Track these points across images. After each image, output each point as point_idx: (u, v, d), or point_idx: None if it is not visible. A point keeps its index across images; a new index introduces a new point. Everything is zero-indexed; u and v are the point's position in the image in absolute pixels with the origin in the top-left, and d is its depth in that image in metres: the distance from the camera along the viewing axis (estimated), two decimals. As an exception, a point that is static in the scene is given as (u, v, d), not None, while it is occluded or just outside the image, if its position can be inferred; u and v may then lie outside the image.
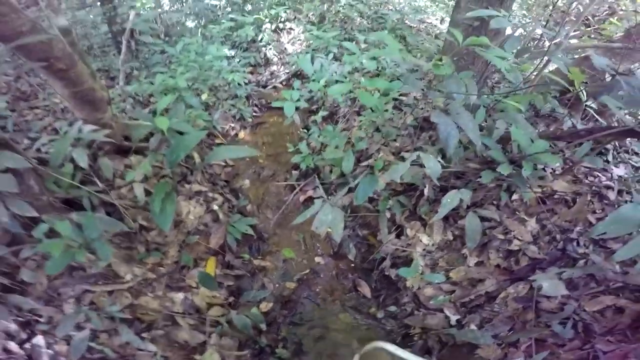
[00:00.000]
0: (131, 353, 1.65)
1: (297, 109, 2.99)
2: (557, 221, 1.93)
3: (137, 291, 1.78)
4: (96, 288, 1.73)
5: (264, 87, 4.21)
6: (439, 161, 2.08)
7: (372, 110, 2.70)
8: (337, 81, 3.16)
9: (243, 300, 1.97)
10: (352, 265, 2.17)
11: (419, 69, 2.40)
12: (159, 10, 4.71)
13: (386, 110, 2.77)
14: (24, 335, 1.64)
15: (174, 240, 1.96)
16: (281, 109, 3.52)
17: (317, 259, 2.19)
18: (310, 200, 2.49)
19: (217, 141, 2.91)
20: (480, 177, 1.96)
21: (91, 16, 3.93)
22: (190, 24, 4.80)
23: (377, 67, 3.25)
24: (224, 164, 2.70)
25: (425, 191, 1.95)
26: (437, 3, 5.98)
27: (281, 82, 4.32)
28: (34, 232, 1.48)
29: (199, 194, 2.17)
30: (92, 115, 2.06)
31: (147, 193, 1.99)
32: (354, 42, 4.22)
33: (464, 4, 2.55)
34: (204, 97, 3.22)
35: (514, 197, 2.04)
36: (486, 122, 2.12)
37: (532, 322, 1.59)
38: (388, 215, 2.12)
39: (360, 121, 2.67)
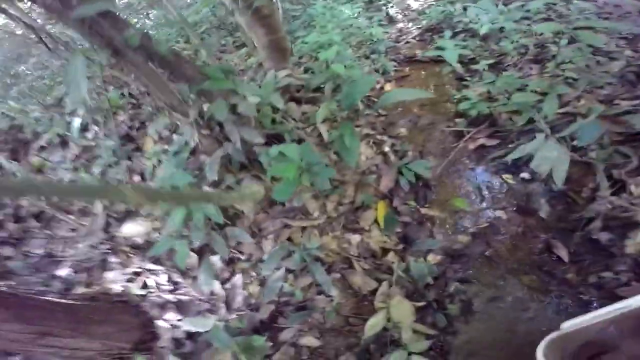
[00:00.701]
0: (311, 297, 1.75)
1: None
2: None
3: (321, 230, 1.90)
4: (294, 223, 1.90)
5: (396, 43, 4.07)
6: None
7: (554, 57, 2.31)
8: (501, 28, 2.81)
9: (415, 249, 1.94)
10: (544, 224, 1.93)
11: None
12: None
13: (578, 58, 2.32)
14: (226, 274, 1.85)
15: (350, 179, 2.05)
16: (424, 62, 3.39)
17: (497, 213, 2.01)
18: (482, 149, 2.28)
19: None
20: None
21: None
22: None
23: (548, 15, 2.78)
24: (377, 114, 2.70)
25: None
26: None
27: (414, 38, 4.11)
28: (261, 158, 1.72)
29: (368, 137, 2.22)
30: (279, 65, 2.33)
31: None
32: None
33: None
34: (348, 52, 3.27)
35: None
36: None
37: None
38: (603, 167, 1.80)
39: (545, 67, 2.30)
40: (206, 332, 1.60)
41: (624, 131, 1.83)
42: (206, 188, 1.93)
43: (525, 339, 1.59)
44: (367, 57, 3.39)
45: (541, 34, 2.60)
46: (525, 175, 2.04)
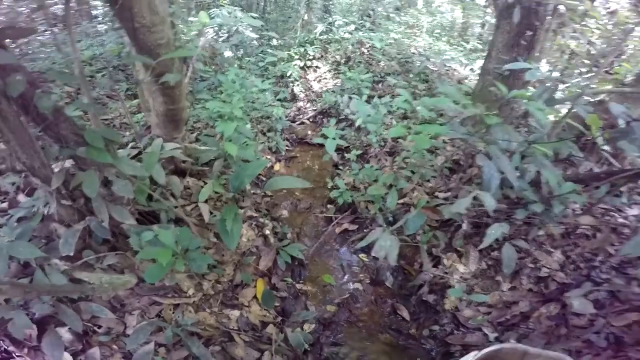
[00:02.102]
0: (189, 371, 1.81)
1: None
2: (580, 252, 2.31)
3: (197, 306, 2.04)
4: (165, 300, 2.01)
5: (292, 122, 4.77)
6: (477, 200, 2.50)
7: (407, 151, 3.17)
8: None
9: (292, 320, 2.26)
10: (390, 291, 2.49)
11: (459, 115, 2.72)
12: (202, 38, 5.28)
13: (416, 152, 3.24)
14: (79, 346, 1.77)
15: (229, 260, 2.32)
16: (312, 145, 4.07)
17: (355, 285, 2.51)
18: (346, 232, 2.87)
19: (257, 171, 3.36)
20: (511, 215, 2.37)
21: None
22: (227, 53, 5.09)
23: (406, 111, 3.79)
24: (263, 194, 3.12)
25: (464, 226, 2.35)
26: (454, 46, 6.83)
27: (308, 119, 4.90)
28: (131, 240, 1.78)
29: (251, 219, 2.56)
30: (169, 134, 2.36)
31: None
32: (381, 84, 4.86)
33: (495, 54, 3.14)
34: (247, 128, 3.71)
35: (540, 232, 2.44)
36: (517, 166, 2.56)
37: (565, 337, 1.88)
38: (425, 247, 2.50)
39: (395, 161, 3.14)
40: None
41: (439, 219, 2.61)
42: (56, 262, 1.85)
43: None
44: (264, 134, 3.92)
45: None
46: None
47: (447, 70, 5.48)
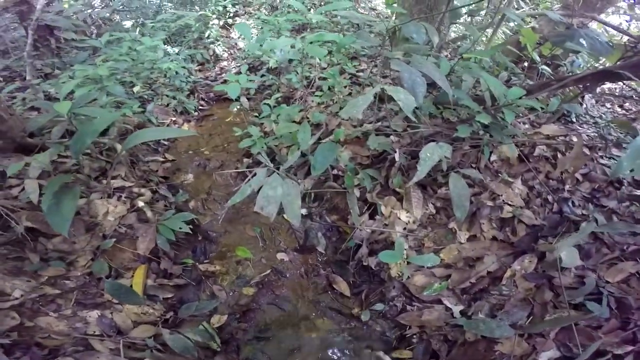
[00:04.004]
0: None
1: (248, 96, 2.72)
2: (544, 180, 1.78)
3: (33, 310, 1.40)
4: None
5: (214, 80, 3.95)
6: (409, 124, 1.89)
7: (329, 89, 2.53)
8: (290, 60, 2.98)
9: (183, 315, 1.59)
10: (324, 258, 1.86)
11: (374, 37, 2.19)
12: (89, 10, 4.38)
13: (345, 87, 2.60)
14: None
15: (85, 247, 1.57)
16: (232, 100, 3.28)
17: (279, 256, 1.86)
18: None
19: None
20: (455, 136, 1.77)
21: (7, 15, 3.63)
22: (127, 23, 4.48)
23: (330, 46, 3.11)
24: (162, 159, 2.34)
25: (396, 156, 1.72)
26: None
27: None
28: None
29: (121, 190, 1.79)
30: None
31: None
32: (308, 29, 4.13)
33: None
34: (136, 89, 2.87)
35: (493, 157, 1.89)
36: (450, 79, 1.98)
37: (552, 304, 1.35)
38: (357, 193, 1.86)
39: (321, 96, 2.46)
40: None
41: (369, 154, 1.99)
42: None
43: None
44: (166, 95, 3.08)
45: (324, 67, 2.86)
46: (302, 211, 1.99)
47: (377, 13, 4.82)
